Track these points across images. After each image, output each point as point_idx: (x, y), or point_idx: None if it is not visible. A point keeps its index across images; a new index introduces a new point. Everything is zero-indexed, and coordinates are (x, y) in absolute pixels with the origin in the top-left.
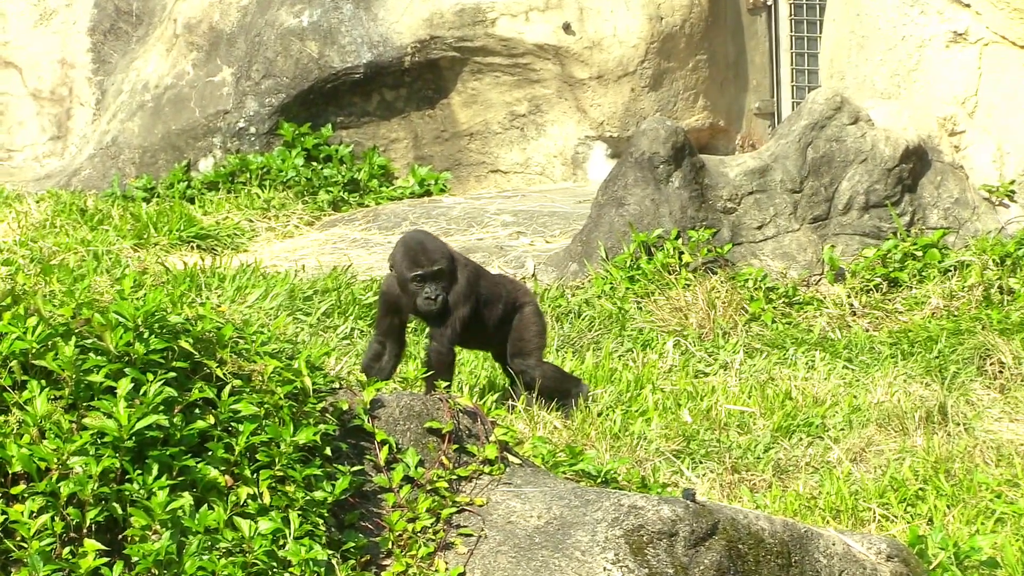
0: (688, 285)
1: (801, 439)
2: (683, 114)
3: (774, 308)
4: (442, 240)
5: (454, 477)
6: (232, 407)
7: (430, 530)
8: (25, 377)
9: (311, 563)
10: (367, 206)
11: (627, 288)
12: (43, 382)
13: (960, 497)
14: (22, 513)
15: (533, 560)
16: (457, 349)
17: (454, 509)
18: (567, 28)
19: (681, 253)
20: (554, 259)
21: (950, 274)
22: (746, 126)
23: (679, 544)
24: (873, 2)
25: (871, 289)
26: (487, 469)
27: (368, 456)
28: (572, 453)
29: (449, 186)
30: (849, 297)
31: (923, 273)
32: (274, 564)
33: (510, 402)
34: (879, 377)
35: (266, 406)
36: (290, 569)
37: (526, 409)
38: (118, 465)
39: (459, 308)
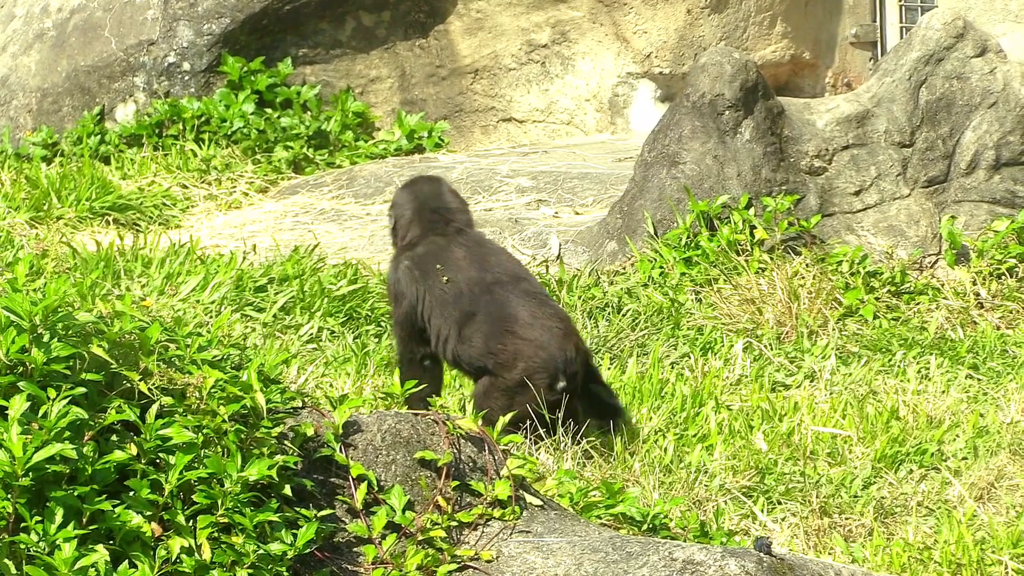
0: (763, 270)
1: (911, 471)
2: (755, 44)
3: (876, 299)
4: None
5: (454, 524)
6: (160, 433)
7: None
8: None
9: None
10: (339, 166)
11: (682, 274)
12: None
13: None
14: None
15: None
16: None
17: (454, 566)
18: None
19: (753, 227)
20: (586, 236)
21: None
22: (839, 59)
23: None
24: None
25: (1003, 274)
26: (497, 513)
27: (341, 496)
28: (610, 492)
29: (447, 140)
30: (975, 284)
31: None
32: None
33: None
34: (1014, 390)
35: (206, 431)
36: None
37: (550, 434)
38: (10, 509)
39: None
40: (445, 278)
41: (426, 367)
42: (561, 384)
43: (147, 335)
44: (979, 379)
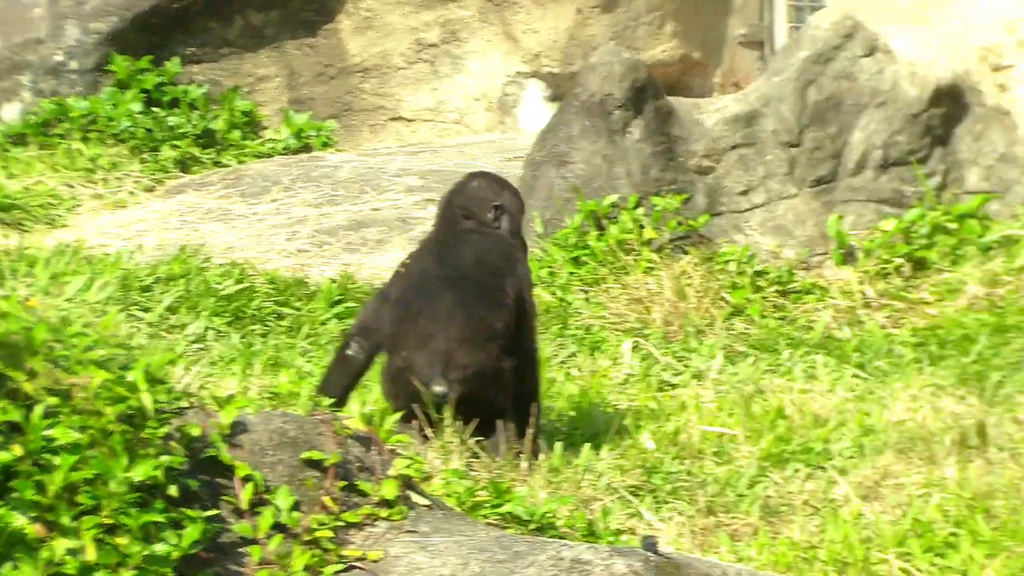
0: (651, 269)
1: (797, 470)
2: (645, 43)
3: (763, 299)
4: None
5: (340, 524)
6: (45, 433)
7: None
8: None
9: None
10: (226, 165)
11: (571, 273)
12: None
13: (1003, 545)
14: None
15: None
16: None
17: (341, 566)
18: None
19: (642, 227)
20: None
21: (993, 253)
22: (728, 59)
23: None
24: None
25: (890, 273)
26: (384, 513)
27: (227, 497)
28: (497, 491)
29: (336, 139)
30: (862, 284)
31: (958, 252)
32: None
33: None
34: (899, 389)
35: (91, 432)
36: None
37: (436, 433)
38: None
39: None
40: (402, 268)
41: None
42: (438, 388)
43: (32, 335)
44: (865, 378)
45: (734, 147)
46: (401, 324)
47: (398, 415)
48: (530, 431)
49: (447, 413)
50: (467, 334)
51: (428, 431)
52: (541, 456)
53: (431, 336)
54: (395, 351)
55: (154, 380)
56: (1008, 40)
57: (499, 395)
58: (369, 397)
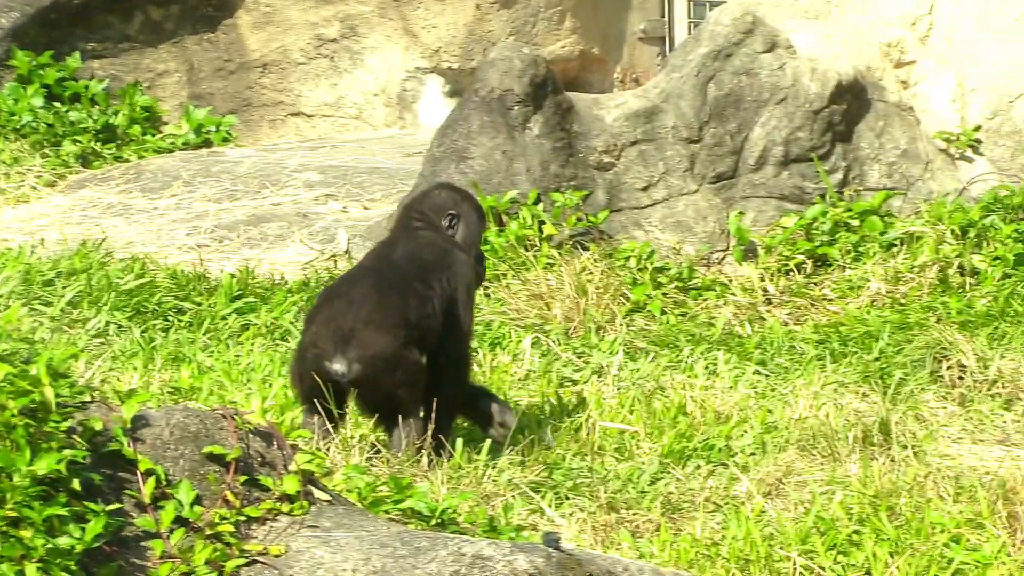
0: (551, 265)
1: (699, 467)
2: (545, 39)
3: (664, 295)
4: None
5: (242, 518)
6: None
7: None
8: None
9: None
10: (127, 160)
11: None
12: None
13: (907, 542)
14: None
15: None
16: None
17: (242, 560)
18: None
19: (542, 223)
20: (374, 230)
21: (895, 250)
22: (628, 55)
23: None
24: None
25: (791, 270)
26: (286, 508)
27: (129, 491)
28: (398, 486)
29: (235, 134)
30: (763, 280)
31: (860, 249)
32: None
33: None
34: (801, 386)
35: None
36: None
37: (337, 428)
38: None
39: None
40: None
41: None
42: (337, 366)
43: None
44: (767, 375)
45: (634, 143)
46: (317, 304)
47: (300, 411)
48: (431, 427)
49: (349, 406)
50: (375, 316)
51: (328, 426)
52: (444, 454)
53: (341, 315)
54: (306, 329)
55: (57, 374)
56: (910, 36)
57: (402, 388)
58: (270, 392)
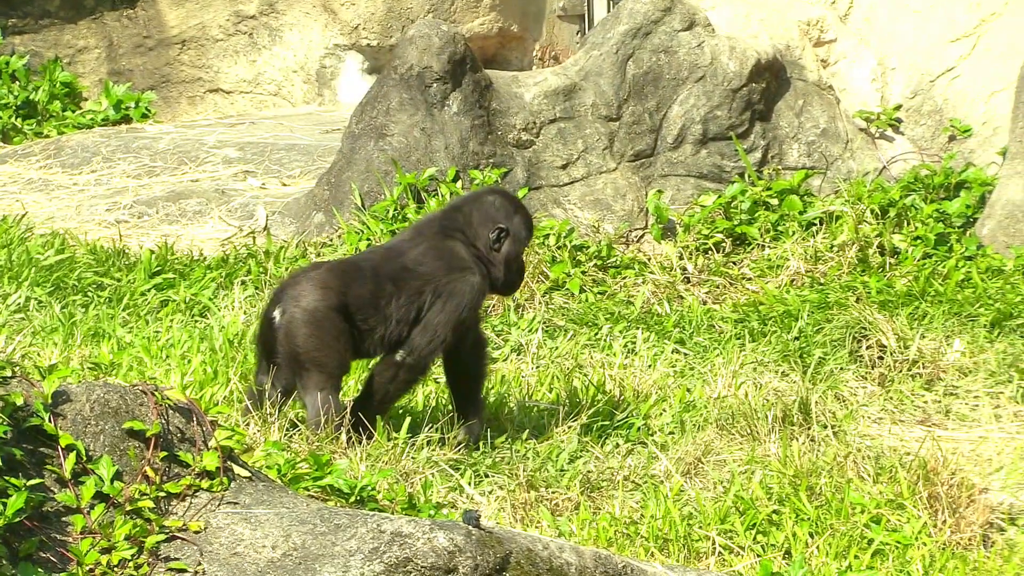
0: None
1: (618, 446)
2: (463, 16)
3: (583, 273)
4: None
5: (162, 494)
6: None
7: (131, 563)
8: None
9: None
10: (47, 136)
11: (382, 243)
12: None
13: (827, 522)
14: None
15: None
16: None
17: (162, 536)
18: None
19: None
20: (293, 207)
21: (815, 229)
22: (547, 33)
23: None
24: None
25: (710, 249)
26: (205, 484)
27: (50, 466)
28: (318, 463)
29: (154, 110)
30: (681, 259)
31: (779, 228)
32: None
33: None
34: (720, 365)
35: None
36: None
37: (256, 406)
38: None
39: None
40: None
41: None
42: (274, 314)
43: None
44: (686, 354)
45: (553, 121)
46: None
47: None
48: (351, 404)
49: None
50: (320, 277)
51: (249, 403)
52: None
53: (300, 276)
54: None
55: None
56: (830, 14)
57: (316, 349)
58: (189, 368)
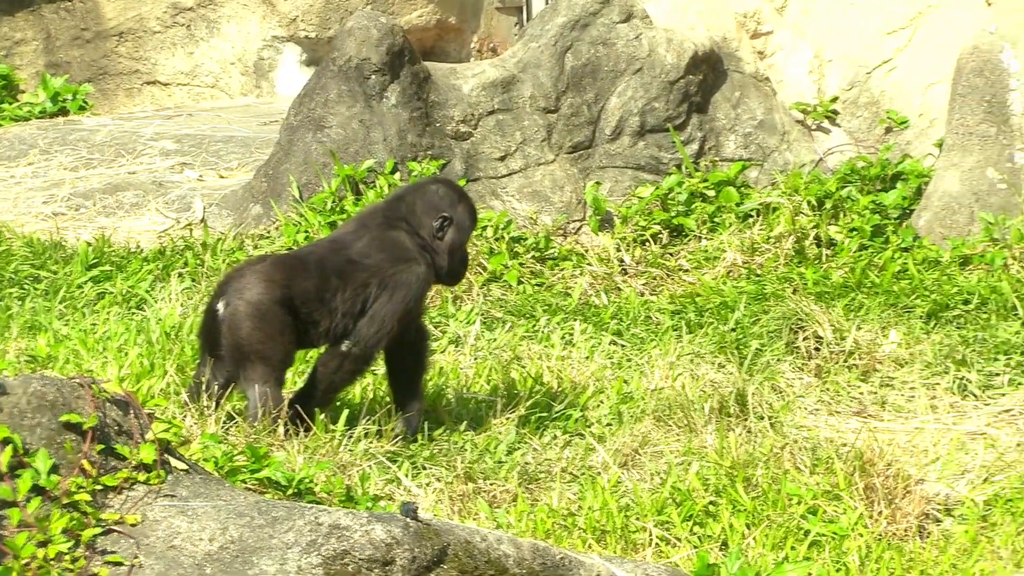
0: None
1: (556, 437)
2: (401, 8)
3: (521, 265)
4: None
5: (99, 487)
6: None
7: (67, 557)
8: None
9: None
10: None
11: (325, 236)
12: None
13: (764, 514)
14: None
15: None
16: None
17: (99, 529)
18: None
19: None
20: (230, 199)
21: (751, 221)
22: (485, 24)
23: (396, 575)
24: None
25: (647, 240)
26: (143, 477)
27: None
28: (255, 456)
29: (92, 102)
30: (619, 250)
31: (716, 219)
32: None
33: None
34: (657, 356)
35: None
36: None
37: (195, 399)
38: None
39: None
40: None
41: None
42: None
43: None
44: (623, 345)
45: (491, 112)
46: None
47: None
48: (290, 396)
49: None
50: (264, 270)
51: (187, 396)
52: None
53: (244, 268)
54: None
55: None
56: (767, 6)
57: (259, 342)
58: (126, 361)
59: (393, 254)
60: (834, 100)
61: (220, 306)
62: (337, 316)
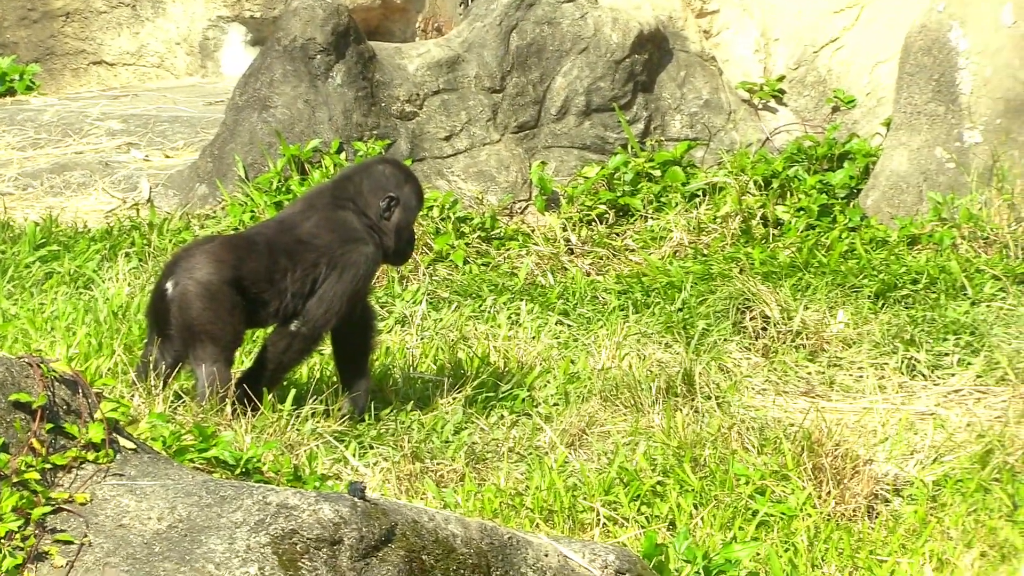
0: None
1: (503, 417)
2: None
3: (467, 245)
4: None
5: (48, 466)
6: None
7: (17, 535)
8: None
9: None
10: None
11: (272, 217)
12: None
13: (711, 494)
14: None
15: (152, 575)
16: None
17: (48, 508)
18: None
19: None
20: (176, 179)
21: (698, 200)
22: (430, 4)
23: (344, 554)
24: None
25: (593, 220)
26: (91, 456)
27: None
28: (203, 435)
29: (39, 83)
30: (565, 230)
31: (662, 199)
32: None
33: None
34: (604, 336)
35: None
36: None
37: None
38: None
39: None
40: None
41: None
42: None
43: None
44: (569, 325)
45: (436, 92)
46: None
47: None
48: (237, 376)
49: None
50: (214, 251)
51: (135, 375)
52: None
53: (193, 249)
54: None
55: None
56: None
57: (208, 323)
58: (74, 340)
59: (342, 234)
60: (781, 79)
61: (169, 286)
62: (287, 296)
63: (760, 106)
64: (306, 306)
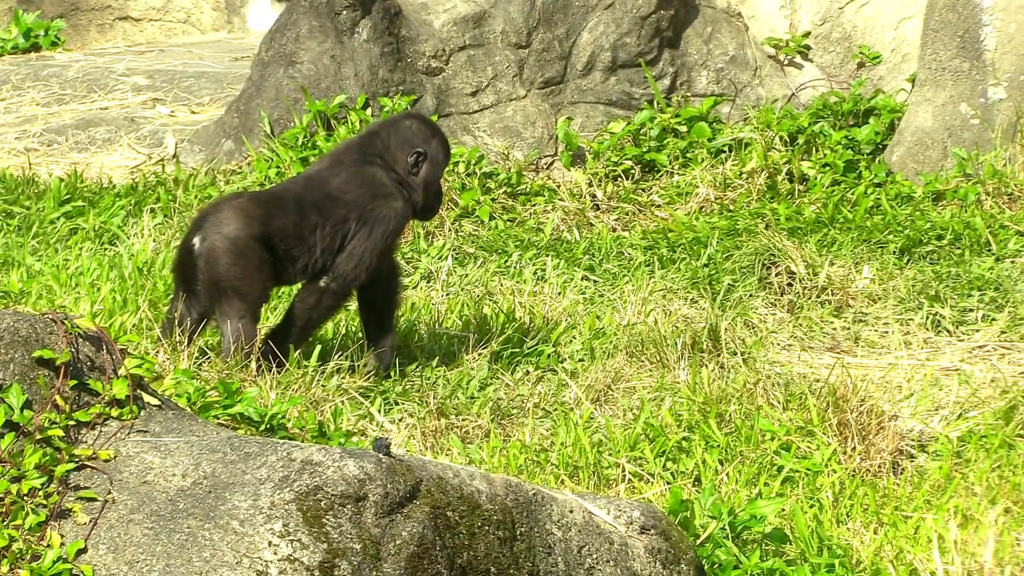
0: None
1: (528, 373)
2: None
3: (493, 201)
4: None
5: (72, 423)
6: None
7: (40, 492)
8: None
9: None
10: None
11: (299, 173)
12: None
13: (737, 449)
14: None
15: (177, 532)
16: None
17: (72, 465)
18: None
19: None
20: (202, 135)
21: (724, 156)
22: None
23: (368, 511)
24: None
25: (619, 176)
26: (115, 412)
27: None
28: (228, 391)
29: (64, 38)
30: (591, 186)
31: (688, 155)
32: None
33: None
34: (630, 292)
35: None
36: None
37: (167, 334)
38: None
39: None
40: None
41: None
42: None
43: None
44: (595, 281)
45: (463, 48)
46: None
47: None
48: (264, 333)
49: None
50: (242, 206)
51: (161, 331)
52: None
53: (221, 204)
54: None
55: None
56: None
57: (236, 279)
58: (98, 296)
59: (371, 189)
60: (806, 35)
61: (196, 241)
62: (316, 252)
63: (786, 62)
64: (335, 262)
